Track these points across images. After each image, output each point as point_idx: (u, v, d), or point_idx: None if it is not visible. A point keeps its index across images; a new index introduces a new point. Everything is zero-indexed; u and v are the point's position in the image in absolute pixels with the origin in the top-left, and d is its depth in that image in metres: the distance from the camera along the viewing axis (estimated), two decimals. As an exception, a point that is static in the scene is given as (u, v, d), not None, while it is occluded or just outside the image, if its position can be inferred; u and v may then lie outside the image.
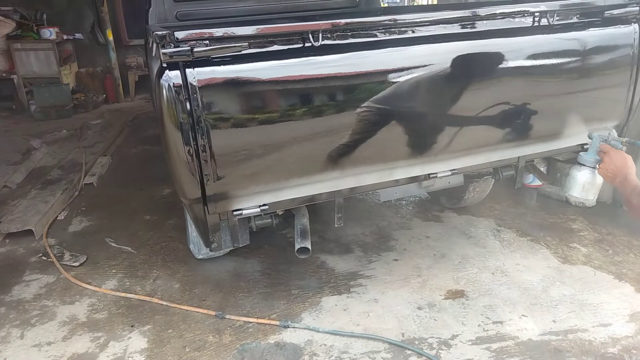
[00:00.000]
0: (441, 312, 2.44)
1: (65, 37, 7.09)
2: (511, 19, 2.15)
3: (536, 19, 2.13)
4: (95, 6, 7.25)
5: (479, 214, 3.38)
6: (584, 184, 1.93)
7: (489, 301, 2.50)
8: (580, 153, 1.93)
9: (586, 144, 2.49)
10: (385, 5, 7.80)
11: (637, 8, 2.18)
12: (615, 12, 2.18)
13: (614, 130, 1.92)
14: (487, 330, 2.31)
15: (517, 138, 2.33)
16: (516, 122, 2.27)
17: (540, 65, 2.18)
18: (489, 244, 3.02)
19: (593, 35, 2.22)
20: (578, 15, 2.25)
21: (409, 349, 2.20)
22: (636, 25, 2.25)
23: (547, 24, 2.11)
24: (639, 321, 2.34)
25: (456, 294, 2.56)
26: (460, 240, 3.08)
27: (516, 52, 2.15)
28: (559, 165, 3.65)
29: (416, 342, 2.24)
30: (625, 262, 2.80)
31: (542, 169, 3.55)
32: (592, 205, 2.02)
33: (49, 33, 6.72)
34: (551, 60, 2.19)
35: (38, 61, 6.73)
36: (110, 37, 7.31)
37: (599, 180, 1.89)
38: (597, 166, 1.84)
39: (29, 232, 3.30)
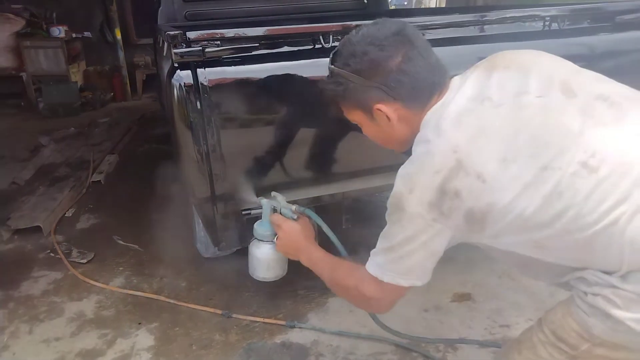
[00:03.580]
0: (447, 314, 2.44)
1: (74, 35, 7.12)
2: (521, 23, 2.16)
3: (547, 23, 2.13)
4: (105, 5, 7.37)
5: (486, 217, 3.37)
6: (268, 263, 1.62)
7: (495, 305, 2.50)
8: (255, 225, 1.63)
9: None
10: (393, 7, 7.80)
11: (649, 13, 2.17)
12: (627, 17, 2.18)
13: (280, 195, 1.60)
14: (494, 333, 2.31)
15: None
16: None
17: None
18: (495, 248, 3.00)
19: (604, 41, 2.22)
20: (589, 20, 2.24)
21: (416, 351, 2.20)
22: (647, 31, 2.24)
23: (558, 28, 2.11)
24: (646, 327, 2.33)
25: (463, 297, 2.56)
26: (466, 243, 3.06)
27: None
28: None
29: (422, 345, 2.24)
30: (633, 267, 2.79)
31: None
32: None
33: (58, 31, 6.75)
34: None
35: (47, 59, 6.76)
36: (119, 36, 7.36)
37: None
38: (275, 240, 1.54)
39: (37, 229, 3.32)
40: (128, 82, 7.56)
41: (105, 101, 7.18)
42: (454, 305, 2.50)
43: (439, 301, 2.53)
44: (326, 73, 1.21)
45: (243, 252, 2.93)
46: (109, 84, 7.51)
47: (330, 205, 2.26)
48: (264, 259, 1.61)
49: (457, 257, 2.90)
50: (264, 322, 2.40)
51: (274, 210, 1.57)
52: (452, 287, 2.64)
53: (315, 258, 1.39)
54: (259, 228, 1.61)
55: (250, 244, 1.66)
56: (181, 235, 3.25)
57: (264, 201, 1.60)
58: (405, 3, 12.33)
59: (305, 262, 1.44)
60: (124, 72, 7.49)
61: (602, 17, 2.23)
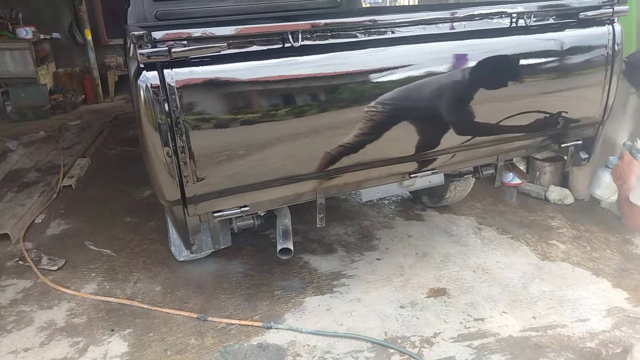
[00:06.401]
0: (423, 310, 2.46)
1: (42, 36, 6.93)
2: (489, 20, 2.18)
3: (514, 20, 2.16)
4: (74, 5, 7.19)
5: (460, 213, 3.41)
6: (602, 185, 2.14)
7: (470, 299, 2.53)
8: (610, 157, 2.12)
9: (564, 142, 2.55)
10: (367, 5, 7.82)
11: (611, 10, 2.22)
12: (590, 13, 2.22)
13: (639, 140, 2.07)
14: (469, 327, 2.34)
15: (495, 137, 2.36)
16: (494, 122, 2.30)
17: (518, 66, 2.21)
18: (470, 242, 3.05)
19: (569, 36, 2.26)
20: (554, 17, 2.28)
21: (392, 348, 2.21)
22: (610, 27, 2.29)
23: (525, 25, 2.14)
24: (616, 316, 2.39)
25: (438, 292, 2.59)
26: (441, 238, 3.10)
27: (494, 52, 2.18)
28: (537, 164, 3.72)
29: (399, 341, 2.26)
30: (603, 258, 2.86)
31: (521, 168, 3.60)
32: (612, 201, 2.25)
33: (25, 32, 6.57)
34: (528, 61, 2.22)
35: (14, 61, 6.57)
36: (89, 37, 7.19)
37: None
38: None
39: (5, 236, 3.22)
40: (100, 83, 7.39)
41: (76, 103, 7.01)
42: (429, 300, 2.52)
43: (415, 297, 2.55)
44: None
45: (218, 255, 2.93)
46: (79, 86, 7.33)
47: (305, 204, 2.26)
48: (602, 181, 2.13)
49: (432, 253, 2.94)
50: (240, 324, 2.38)
51: (629, 149, 1.98)
52: (428, 282, 2.66)
53: (625, 186, 1.82)
54: (612, 158, 2.09)
55: (601, 170, 2.15)
56: (155, 239, 3.21)
57: (627, 143, 2.04)
58: (380, 1, 12.37)
59: (619, 186, 1.88)
60: (95, 73, 7.32)
61: (567, 14, 2.27)
